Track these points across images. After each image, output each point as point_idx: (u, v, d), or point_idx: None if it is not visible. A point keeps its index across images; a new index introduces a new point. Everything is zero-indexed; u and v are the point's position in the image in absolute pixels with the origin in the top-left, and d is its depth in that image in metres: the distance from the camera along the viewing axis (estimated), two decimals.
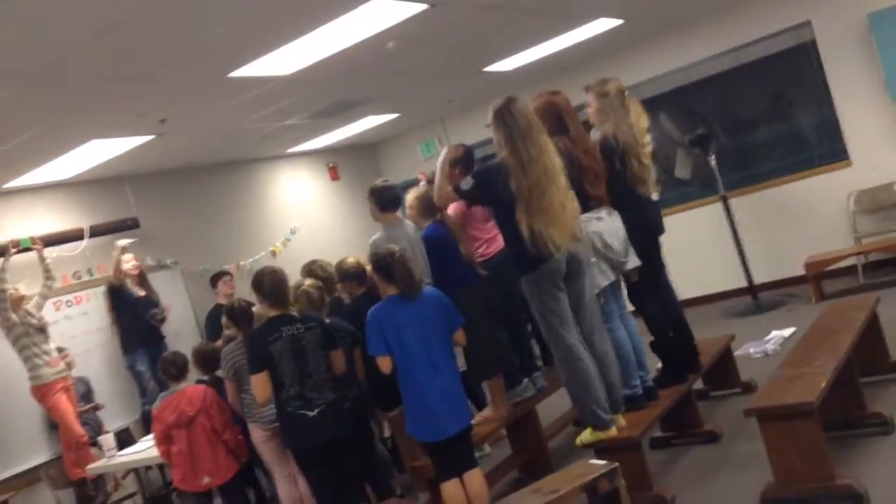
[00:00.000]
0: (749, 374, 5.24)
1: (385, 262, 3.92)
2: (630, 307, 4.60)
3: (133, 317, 6.82)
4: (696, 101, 8.41)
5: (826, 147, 7.79)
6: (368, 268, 4.62)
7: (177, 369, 4.93)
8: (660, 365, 4.73)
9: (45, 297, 6.32)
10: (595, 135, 4.44)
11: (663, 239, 4.71)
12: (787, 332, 6.24)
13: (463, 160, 4.64)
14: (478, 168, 4.38)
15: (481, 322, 4.38)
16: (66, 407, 6.00)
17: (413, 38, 5.55)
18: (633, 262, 4.32)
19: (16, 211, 6.84)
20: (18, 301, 6.02)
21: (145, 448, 5.51)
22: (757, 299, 7.49)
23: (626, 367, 4.19)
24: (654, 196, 4.59)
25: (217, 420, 4.77)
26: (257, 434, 4.63)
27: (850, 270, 7.41)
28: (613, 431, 3.94)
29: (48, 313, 6.39)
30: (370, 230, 4.91)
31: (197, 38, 4.48)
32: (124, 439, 6.44)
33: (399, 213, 4.71)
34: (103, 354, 7.01)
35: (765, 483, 3.51)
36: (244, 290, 6.08)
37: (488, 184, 3.91)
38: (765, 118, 8.21)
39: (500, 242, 4.41)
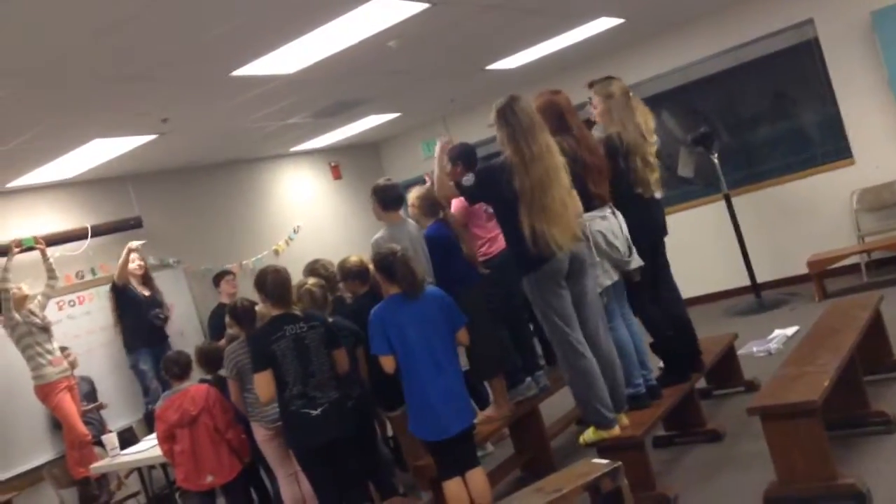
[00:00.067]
0: (752, 373, 5.24)
1: (387, 262, 3.92)
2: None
3: (136, 316, 6.84)
4: (698, 99, 8.40)
5: (829, 145, 7.78)
6: (371, 267, 4.61)
7: (180, 368, 4.93)
8: (662, 364, 4.73)
9: (48, 297, 6.33)
10: (597, 133, 4.45)
11: (666, 239, 4.70)
12: (790, 330, 6.23)
13: (464, 157, 4.64)
14: (481, 166, 4.37)
15: (483, 321, 4.37)
16: (70, 406, 6.00)
17: (414, 37, 5.55)
18: (636, 261, 4.31)
19: (19, 210, 6.85)
20: (22, 300, 6.02)
21: (148, 447, 5.51)
22: (760, 298, 7.48)
23: (629, 366, 4.19)
24: (658, 195, 4.59)
25: (220, 419, 4.77)
26: (260, 433, 4.63)
27: (854, 269, 7.39)
28: (616, 430, 3.93)
29: (51, 313, 6.39)
30: (372, 229, 4.91)
31: (198, 37, 4.48)
32: (127, 438, 6.44)
33: (402, 212, 4.71)
34: (106, 354, 7.02)
35: (768, 482, 3.51)
36: (247, 290, 6.10)
37: (490, 181, 3.90)
38: (767, 117, 8.20)
39: (502, 242, 4.40)
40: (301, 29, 4.80)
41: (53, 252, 6.63)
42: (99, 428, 6.34)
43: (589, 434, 4.01)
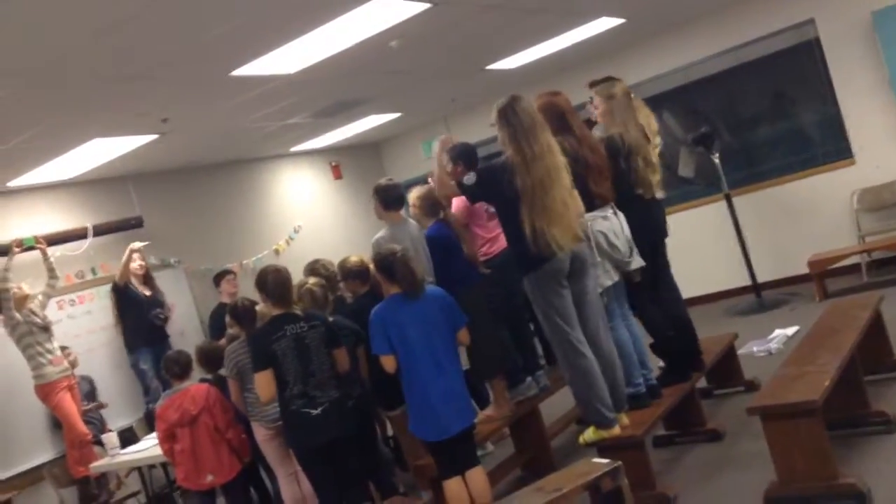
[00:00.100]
0: (752, 373, 5.24)
1: (387, 262, 3.92)
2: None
3: (137, 316, 6.84)
4: (698, 99, 8.40)
5: (830, 145, 7.77)
6: (372, 266, 4.62)
7: (180, 368, 4.93)
8: (662, 363, 4.73)
9: (48, 296, 6.33)
10: (597, 133, 4.45)
11: (667, 239, 4.70)
12: (791, 330, 6.23)
13: (465, 157, 4.64)
14: (482, 165, 4.37)
15: (484, 322, 4.37)
16: (70, 406, 6.01)
17: (415, 37, 5.54)
18: (637, 262, 4.31)
19: (19, 210, 6.85)
20: (22, 300, 6.03)
21: (149, 446, 5.51)
22: (760, 298, 7.48)
23: (628, 365, 4.19)
24: (659, 195, 4.59)
25: (220, 419, 4.78)
26: (260, 433, 4.64)
27: (854, 269, 7.38)
28: (617, 430, 3.93)
29: (52, 312, 6.40)
30: (373, 229, 4.91)
31: (198, 37, 4.48)
32: (128, 438, 6.44)
33: (403, 212, 4.71)
34: (107, 353, 7.03)
35: (768, 482, 3.51)
36: (247, 289, 6.11)
37: (492, 180, 3.90)
38: (768, 117, 8.19)
39: (503, 241, 4.40)
40: (301, 29, 4.80)
41: (54, 251, 6.63)
42: (99, 427, 6.35)
43: (589, 433, 4.00)
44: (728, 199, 7.49)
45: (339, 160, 9.97)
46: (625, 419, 4.02)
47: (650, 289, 4.53)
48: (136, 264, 6.91)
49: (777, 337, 6.13)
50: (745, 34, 7.78)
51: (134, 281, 6.93)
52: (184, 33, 4.38)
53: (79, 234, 7.06)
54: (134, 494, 6.23)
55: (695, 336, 4.77)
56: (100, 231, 7.19)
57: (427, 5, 4.94)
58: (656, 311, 4.57)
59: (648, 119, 4.53)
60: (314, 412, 4.08)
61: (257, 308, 4.62)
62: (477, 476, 3.94)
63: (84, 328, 6.95)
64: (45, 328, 6.08)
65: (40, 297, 6.24)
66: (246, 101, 6.15)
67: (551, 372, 4.96)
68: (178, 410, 4.72)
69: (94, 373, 6.78)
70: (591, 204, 4.13)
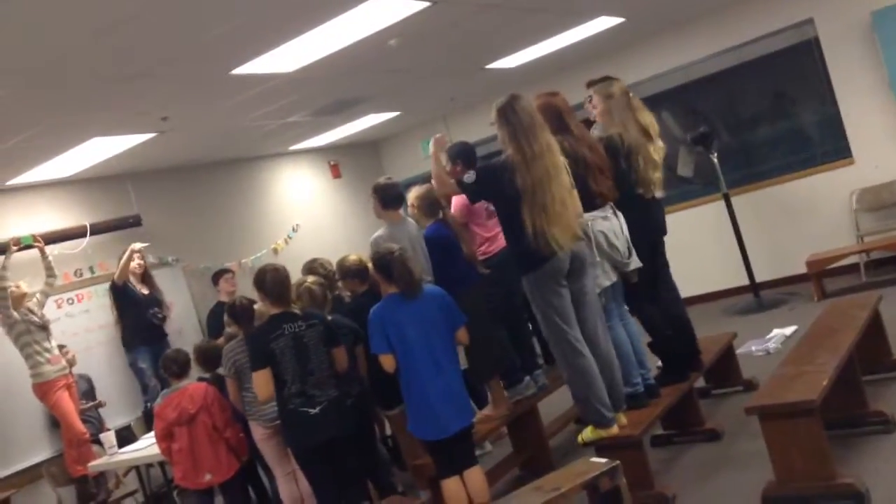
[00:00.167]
0: (751, 373, 5.24)
1: (384, 261, 3.92)
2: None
3: (135, 314, 6.83)
4: (698, 99, 8.40)
5: (828, 145, 7.78)
6: (370, 265, 4.61)
7: (178, 367, 4.93)
8: (660, 363, 4.73)
9: (46, 295, 6.33)
10: (596, 133, 4.45)
11: (666, 238, 4.70)
12: (789, 330, 6.23)
13: (464, 156, 4.64)
14: (482, 164, 4.37)
15: (482, 323, 4.37)
16: (68, 404, 6.00)
17: (414, 35, 5.55)
18: (635, 263, 4.31)
19: (17, 208, 6.84)
20: (20, 298, 6.02)
21: (147, 445, 5.51)
22: (759, 297, 7.48)
23: (626, 365, 4.18)
24: (659, 194, 4.59)
25: (218, 418, 4.78)
26: (258, 432, 4.64)
27: (853, 269, 7.39)
28: (615, 429, 3.93)
29: (50, 311, 6.39)
30: (372, 228, 4.91)
31: (197, 36, 4.48)
32: (126, 437, 6.45)
33: (401, 211, 4.71)
34: (105, 352, 7.02)
35: (766, 481, 3.51)
36: (246, 288, 6.11)
37: (492, 179, 3.90)
38: (767, 116, 8.20)
39: (502, 241, 4.41)
40: (301, 27, 4.80)
41: (52, 250, 6.62)
42: (97, 426, 6.34)
43: (587, 433, 4.01)
44: (727, 198, 7.49)
45: (338, 159, 9.96)
46: (623, 419, 4.02)
47: (649, 288, 4.53)
48: (134, 263, 6.91)
49: (775, 336, 6.13)
50: (745, 34, 7.79)
51: (132, 280, 6.92)
52: (184, 32, 4.38)
53: (77, 233, 7.05)
54: (132, 493, 6.24)
55: (693, 336, 4.77)
56: (98, 230, 7.18)
57: (426, 4, 4.94)
58: (655, 310, 4.57)
59: (649, 119, 4.53)
60: (312, 411, 4.07)
61: (255, 307, 4.62)
62: (475, 475, 3.94)
63: (82, 327, 6.95)
64: (43, 327, 6.07)
65: (38, 295, 6.24)
66: (245, 100, 6.15)
67: (550, 371, 4.96)
68: (176, 409, 4.72)
69: (92, 371, 6.77)
70: (593, 203, 4.12)
